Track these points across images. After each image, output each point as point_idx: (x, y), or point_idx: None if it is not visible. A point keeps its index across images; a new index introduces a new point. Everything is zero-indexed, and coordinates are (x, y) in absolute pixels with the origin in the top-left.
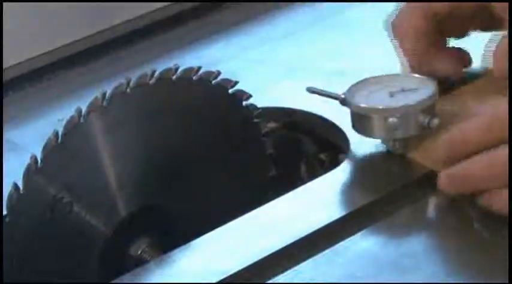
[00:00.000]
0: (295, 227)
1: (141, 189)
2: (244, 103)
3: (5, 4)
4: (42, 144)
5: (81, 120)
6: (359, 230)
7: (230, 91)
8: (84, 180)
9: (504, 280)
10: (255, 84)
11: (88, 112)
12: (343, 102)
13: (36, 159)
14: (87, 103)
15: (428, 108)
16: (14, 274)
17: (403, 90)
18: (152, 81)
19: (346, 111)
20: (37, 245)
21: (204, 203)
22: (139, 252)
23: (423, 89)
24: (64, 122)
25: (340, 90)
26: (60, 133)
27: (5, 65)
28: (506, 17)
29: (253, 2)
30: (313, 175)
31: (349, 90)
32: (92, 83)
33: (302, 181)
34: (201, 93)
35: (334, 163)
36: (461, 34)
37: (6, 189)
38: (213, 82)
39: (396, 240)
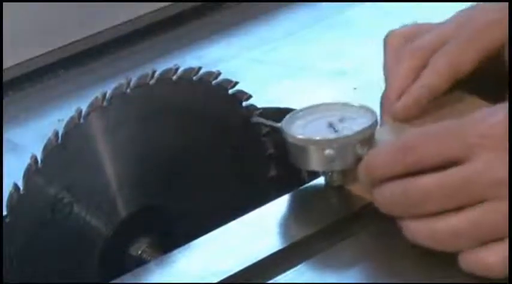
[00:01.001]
0: (296, 228)
1: (141, 189)
2: (244, 103)
3: (4, 4)
4: (42, 144)
5: (81, 120)
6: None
7: (230, 91)
8: (85, 180)
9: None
10: (255, 84)
11: (88, 112)
12: (281, 132)
13: (36, 159)
14: (87, 104)
15: (367, 139)
16: (14, 275)
17: (341, 120)
18: (152, 81)
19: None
20: (37, 246)
21: (204, 203)
22: (139, 252)
23: (362, 118)
24: (64, 122)
25: (341, 90)
26: (60, 134)
27: (5, 65)
28: None
29: (253, 2)
30: (312, 175)
31: (287, 119)
32: (92, 83)
33: (302, 182)
34: (201, 94)
35: None
36: None
37: (6, 189)
38: (213, 82)
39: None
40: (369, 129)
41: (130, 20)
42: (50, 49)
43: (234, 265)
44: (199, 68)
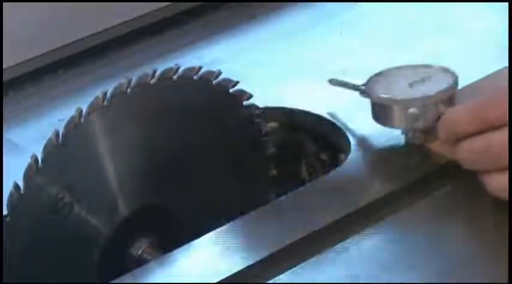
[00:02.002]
0: (296, 228)
1: (141, 188)
2: (245, 103)
3: (4, 4)
4: (43, 144)
5: (82, 120)
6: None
7: (231, 91)
8: (85, 180)
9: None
10: (256, 84)
11: (89, 112)
12: (364, 92)
13: (36, 159)
14: (87, 103)
15: (449, 98)
16: (15, 274)
17: (422, 80)
18: (153, 80)
19: (347, 111)
20: (37, 246)
21: (205, 203)
22: (139, 252)
23: (443, 79)
24: (64, 122)
25: (344, 90)
26: (60, 133)
27: (5, 65)
28: None
29: (254, 2)
30: (313, 175)
31: (369, 81)
32: (92, 83)
33: (303, 181)
34: (202, 93)
35: (335, 163)
36: None
37: (7, 189)
38: (214, 82)
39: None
40: (450, 89)
41: (130, 20)
42: (50, 49)
43: (235, 265)
44: (200, 68)
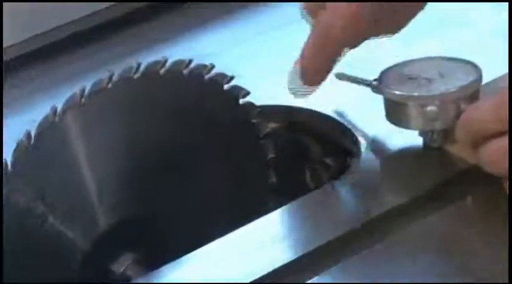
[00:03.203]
0: (297, 242)
1: (124, 198)
2: (241, 101)
3: None
4: (13, 146)
5: (57, 119)
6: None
7: (225, 87)
8: (60, 188)
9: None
10: (254, 79)
11: (64, 110)
12: (375, 88)
13: (6, 163)
14: (63, 101)
15: (472, 95)
16: None
17: (441, 75)
18: (137, 75)
19: (356, 109)
20: (7, 262)
21: (196, 214)
22: (122, 269)
23: (465, 73)
24: (37, 122)
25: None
26: (32, 135)
27: None
28: None
29: None
30: (318, 182)
31: (381, 75)
32: (69, 78)
33: (306, 189)
34: (193, 90)
35: (343, 169)
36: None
37: None
38: (206, 77)
39: None
40: (473, 85)
41: (111, 6)
42: (21, 39)
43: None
44: (191, 61)
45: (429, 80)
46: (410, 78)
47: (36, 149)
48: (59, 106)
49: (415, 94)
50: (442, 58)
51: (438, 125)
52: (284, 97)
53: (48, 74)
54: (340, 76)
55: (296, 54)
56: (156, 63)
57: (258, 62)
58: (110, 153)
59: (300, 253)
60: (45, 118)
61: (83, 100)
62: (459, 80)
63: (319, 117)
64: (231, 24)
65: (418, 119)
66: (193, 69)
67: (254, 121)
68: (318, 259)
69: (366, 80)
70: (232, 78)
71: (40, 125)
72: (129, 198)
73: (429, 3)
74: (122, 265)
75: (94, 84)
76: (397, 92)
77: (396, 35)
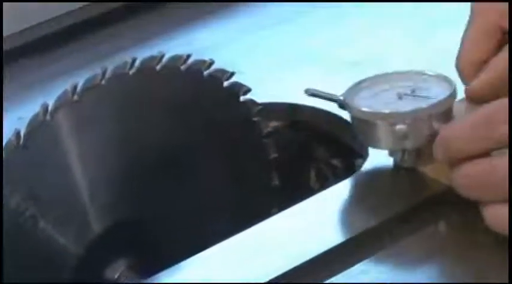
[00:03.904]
0: (294, 249)
1: (118, 199)
2: (241, 98)
3: None
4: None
5: (48, 117)
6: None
7: (225, 84)
8: (51, 189)
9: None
10: (255, 75)
11: (55, 108)
12: (343, 105)
13: None
14: (54, 98)
15: (445, 113)
16: None
17: (413, 91)
18: (132, 71)
19: None
20: None
21: (194, 217)
22: (116, 276)
23: (438, 89)
24: (27, 120)
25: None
26: (22, 134)
27: None
28: None
29: None
30: (323, 184)
31: (350, 90)
32: (60, 74)
33: (311, 192)
34: (191, 86)
35: (350, 170)
36: None
37: None
38: (205, 73)
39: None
40: (446, 101)
41: None
42: (9, 33)
43: None
44: (189, 56)
45: (400, 96)
46: (379, 94)
47: (25, 149)
48: (50, 104)
49: (385, 111)
50: (415, 72)
51: (409, 144)
52: (287, 94)
53: (37, 70)
54: (309, 92)
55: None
56: (152, 58)
57: (260, 57)
58: (104, 152)
59: (301, 260)
60: (36, 116)
61: (75, 97)
62: (432, 96)
63: (323, 115)
64: (231, 18)
65: (388, 138)
66: (192, 64)
67: (255, 119)
68: (322, 265)
69: (333, 96)
70: (232, 74)
71: (30, 123)
72: (124, 199)
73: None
74: (116, 271)
75: (86, 81)
76: (365, 109)
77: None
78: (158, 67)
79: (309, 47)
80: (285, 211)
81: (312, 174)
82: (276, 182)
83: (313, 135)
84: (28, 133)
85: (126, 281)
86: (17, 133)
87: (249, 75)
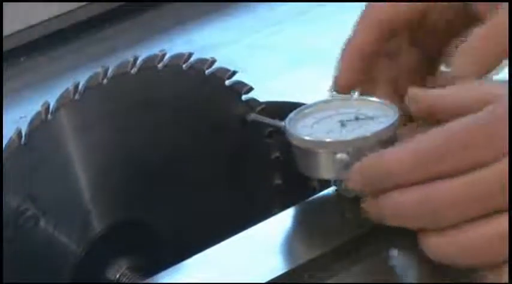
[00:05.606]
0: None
1: (119, 199)
2: (243, 97)
3: None
4: (3, 145)
5: (49, 116)
6: None
7: (227, 83)
8: (52, 189)
9: None
10: (257, 74)
11: (57, 107)
12: (283, 133)
13: None
14: (55, 97)
15: (388, 141)
16: None
17: (357, 118)
18: (134, 70)
19: None
20: None
21: (196, 217)
22: (117, 276)
23: (382, 117)
24: (28, 119)
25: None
26: (23, 133)
27: None
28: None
29: None
30: (326, 183)
31: (291, 117)
32: (61, 73)
33: (313, 191)
34: (193, 85)
35: None
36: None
37: None
38: (207, 72)
39: None
40: (390, 129)
41: None
42: (9, 33)
43: None
44: (190, 54)
45: (343, 123)
46: (322, 121)
47: (27, 148)
48: (52, 103)
49: (326, 140)
50: (360, 98)
51: None
52: (289, 93)
53: (39, 69)
54: (250, 118)
55: (302, 47)
56: (153, 57)
57: (263, 56)
58: (105, 151)
59: (300, 262)
60: (37, 115)
61: (77, 96)
62: (376, 123)
63: None
64: (233, 16)
65: (329, 167)
66: (193, 63)
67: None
68: (321, 267)
69: (275, 123)
70: (234, 73)
71: (31, 122)
72: (125, 200)
73: None
74: (117, 271)
75: (88, 79)
76: (305, 137)
77: None
78: (160, 66)
79: (311, 46)
80: (287, 210)
81: None
82: (278, 181)
83: None
84: (30, 132)
85: (126, 282)
86: (18, 132)
87: (251, 73)
